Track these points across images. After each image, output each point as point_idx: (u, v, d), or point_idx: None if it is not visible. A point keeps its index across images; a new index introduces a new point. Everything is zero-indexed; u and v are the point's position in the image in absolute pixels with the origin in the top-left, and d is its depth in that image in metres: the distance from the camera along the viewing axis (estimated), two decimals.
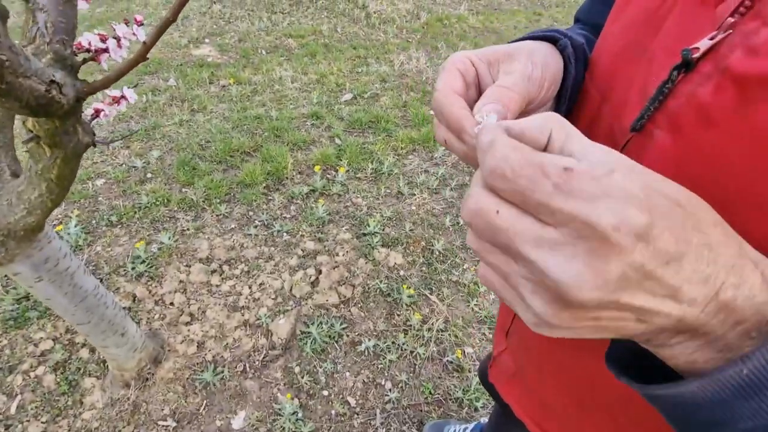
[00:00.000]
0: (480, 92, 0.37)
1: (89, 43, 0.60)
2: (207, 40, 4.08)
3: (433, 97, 0.35)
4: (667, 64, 0.30)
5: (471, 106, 0.35)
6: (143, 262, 1.91)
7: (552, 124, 0.24)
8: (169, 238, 2.02)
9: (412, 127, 2.98)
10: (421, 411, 1.58)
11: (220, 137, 2.70)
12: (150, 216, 2.15)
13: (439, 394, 1.63)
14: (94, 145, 0.68)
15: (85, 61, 0.57)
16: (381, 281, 1.95)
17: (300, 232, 2.14)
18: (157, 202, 2.22)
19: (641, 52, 0.35)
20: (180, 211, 2.21)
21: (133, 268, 1.88)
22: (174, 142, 2.66)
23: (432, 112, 0.33)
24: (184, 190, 2.32)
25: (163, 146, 2.63)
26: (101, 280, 1.83)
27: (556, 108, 0.41)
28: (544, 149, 0.25)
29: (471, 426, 1.46)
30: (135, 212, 2.16)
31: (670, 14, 0.32)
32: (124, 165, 2.46)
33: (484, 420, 1.54)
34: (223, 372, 1.61)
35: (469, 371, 1.71)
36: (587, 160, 0.22)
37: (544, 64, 0.36)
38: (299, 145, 2.70)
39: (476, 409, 1.61)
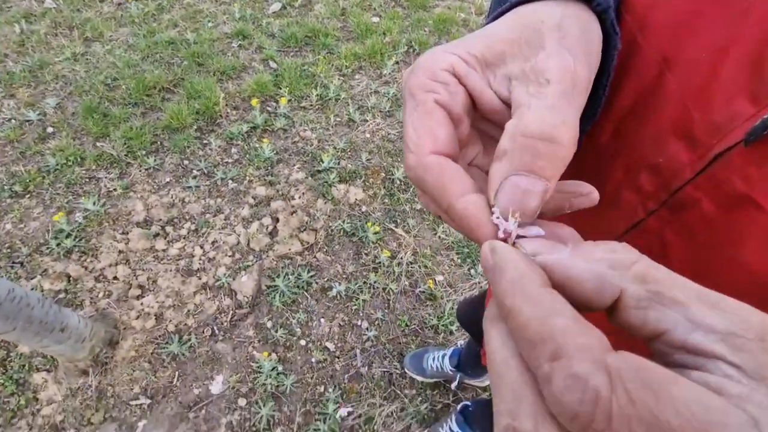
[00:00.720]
0: (478, 108, 0.23)
1: None
2: None
3: (404, 158, 0.21)
4: None
5: (468, 148, 0.23)
6: (69, 235, 1.67)
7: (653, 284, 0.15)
8: (94, 203, 1.76)
9: (355, 40, 2.65)
10: (400, 344, 1.62)
11: (130, 72, 2.26)
12: (63, 180, 1.83)
13: (415, 324, 1.66)
14: None
15: None
16: (344, 221, 1.85)
17: (247, 178, 1.94)
18: (69, 162, 1.88)
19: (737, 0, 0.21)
20: (100, 169, 1.90)
21: (58, 245, 1.64)
22: (72, 83, 2.21)
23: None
24: (99, 144, 1.98)
25: (59, 90, 2.17)
26: (21, 264, 1.59)
27: (590, 101, 0.27)
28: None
29: (449, 351, 1.51)
30: (43, 177, 1.83)
31: None
32: (13, 120, 2.03)
33: (461, 343, 1.61)
34: (190, 340, 1.53)
35: (442, 298, 1.73)
36: None
37: (586, 43, 0.21)
38: (228, 74, 2.33)
39: (451, 333, 1.67)
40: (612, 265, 0.16)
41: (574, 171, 0.39)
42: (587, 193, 0.23)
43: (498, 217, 0.19)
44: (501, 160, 0.19)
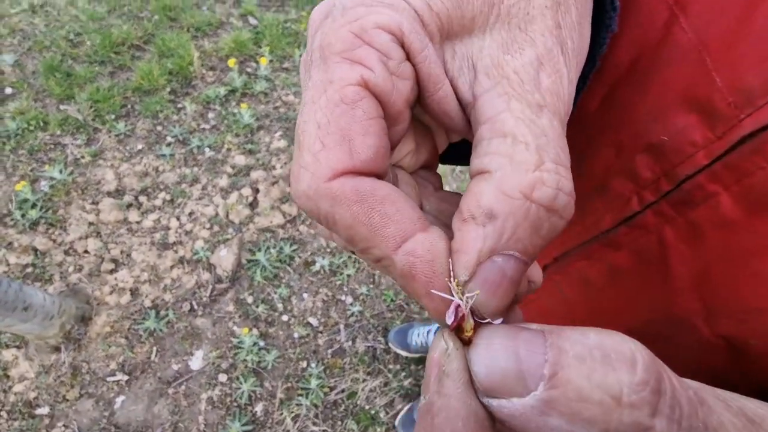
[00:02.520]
0: (424, 102, 0.16)
1: None
2: None
3: (292, 176, 0.14)
4: None
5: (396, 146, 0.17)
6: (34, 206, 1.57)
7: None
8: (61, 172, 1.65)
9: None
10: (385, 319, 1.59)
11: (94, 27, 2.08)
12: (26, 146, 1.71)
13: (400, 299, 1.63)
14: None
15: None
16: None
17: (225, 146, 1.83)
18: (31, 127, 1.75)
19: None
20: (65, 134, 1.77)
21: (23, 215, 1.55)
22: (31, 38, 2.02)
23: None
24: (63, 106, 1.84)
25: (17, 46, 1.99)
26: None
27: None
28: None
29: (434, 327, 1.49)
30: (3, 143, 1.71)
31: None
32: None
33: None
34: (168, 315, 1.48)
35: None
36: None
37: (580, 36, 0.15)
38: (204, 31, 2.16)
39: None
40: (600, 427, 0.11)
41: None
42: None
43: (456, 296, 0.13)
44: (484, 226, 0.13)
